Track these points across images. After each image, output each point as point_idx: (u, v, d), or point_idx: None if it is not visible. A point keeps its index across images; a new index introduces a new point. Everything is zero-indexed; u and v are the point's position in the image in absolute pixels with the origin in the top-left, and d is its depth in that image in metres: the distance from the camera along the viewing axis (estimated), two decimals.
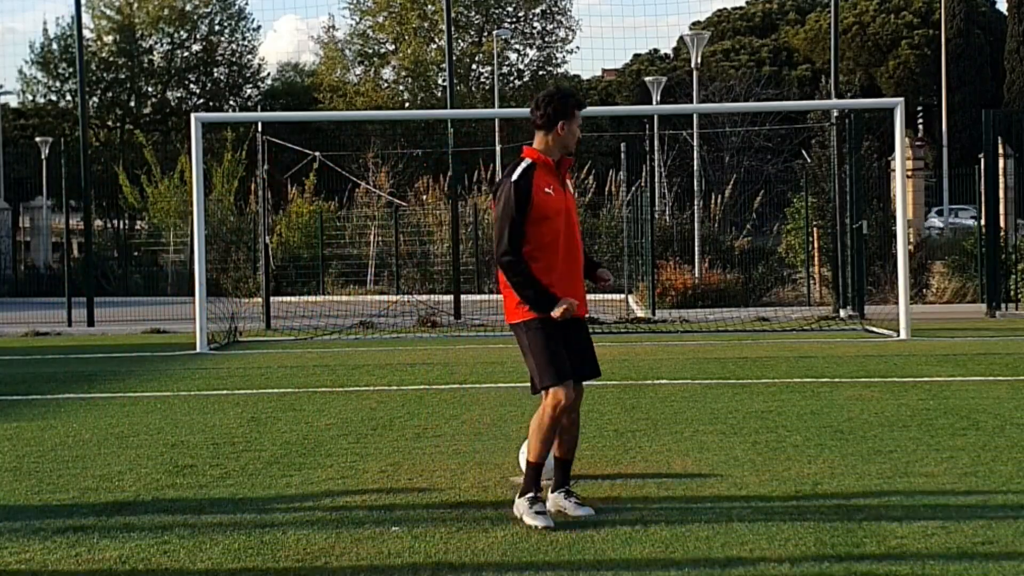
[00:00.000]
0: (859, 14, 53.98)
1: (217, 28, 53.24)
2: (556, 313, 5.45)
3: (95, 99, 50.80)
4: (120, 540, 5.21)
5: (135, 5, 51.63)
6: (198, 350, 15.15)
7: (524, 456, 6.33)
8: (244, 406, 9.57)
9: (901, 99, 17.29)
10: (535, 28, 54.32)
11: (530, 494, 5.42)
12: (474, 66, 52.59)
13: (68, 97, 51.25)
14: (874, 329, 16.48)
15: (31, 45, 66.27)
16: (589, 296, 6.30)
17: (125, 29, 51.32)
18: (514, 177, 5.49)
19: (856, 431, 7.72)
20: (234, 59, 53.62)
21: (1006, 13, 51.69)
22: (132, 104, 52.94)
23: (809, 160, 24.17)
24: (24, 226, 42.60)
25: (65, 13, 59.53)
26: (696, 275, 23.05)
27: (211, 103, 51.46)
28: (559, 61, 54.31)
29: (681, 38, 46.11)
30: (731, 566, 4.69)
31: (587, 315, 5.95)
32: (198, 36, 52.76)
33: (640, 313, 20.49)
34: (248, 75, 54.29)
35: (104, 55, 51.42)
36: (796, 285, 24.32)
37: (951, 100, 45.06)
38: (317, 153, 23.18)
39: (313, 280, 28.44)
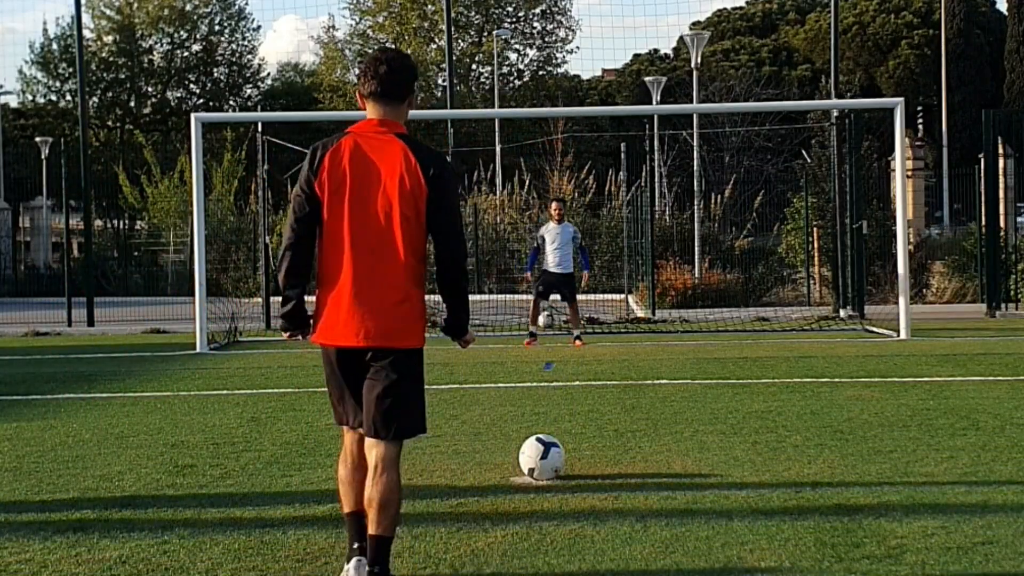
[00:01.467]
0: (859, 14, 54.00)
1: (217, 28, 53.27)
2: (472, 339, 4.71)
3: (95, 99, 50.80)
4: (120, 540, 5.21)
5: (135, 5, 51.64)
6: (198, 350, 15.15)
7: (526, 460, 6.34)
8: (244, 406, 9.58)
9: (901, 99, 17.28)
10: (535, 28, 54.37)
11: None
12: (474, 66, 52.62)
13: (68, 97, 51.26)
14: (874, 329, 16.48)
15: (31, 45, 66.43)
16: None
17: (125, 29, 51.31)
18: (448, 158, 4.87)
19: (856, 431, 7.71)
20: (234, 59, 53.64)
21: (1006, 13, 51.69)
22: (132, 104, 52.95)
23: (809, 160, 24.16)
24: (24, 226, 42.58)
25: (65, 13, 59.61)
26: (696, 275, 23.05)
27: (211, 103, 51.47)
28: (559, 61, 54.42)
29: (681, 38, 46.13)
30: (731, 566, 4.69)
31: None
32: (198, 36, 52.78)
33: (640, 313, 20.49)
34: (248, 75, 54.31)
35: (104, 55, 51.43)
36: (796, 285, 24.31)
37: (951, 100, 45.09)
38: None
39: (313, 280, 28.39)
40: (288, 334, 4.64)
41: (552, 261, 15.05)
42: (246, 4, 64.34)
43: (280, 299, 4.67)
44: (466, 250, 4.49)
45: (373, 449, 4.38)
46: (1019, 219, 23.76)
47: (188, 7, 52.24)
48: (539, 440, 6.37)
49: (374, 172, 4.36)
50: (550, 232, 15.18)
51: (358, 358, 4.39)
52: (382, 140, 4.42)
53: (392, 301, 4.36)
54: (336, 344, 4.40)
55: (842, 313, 19.00)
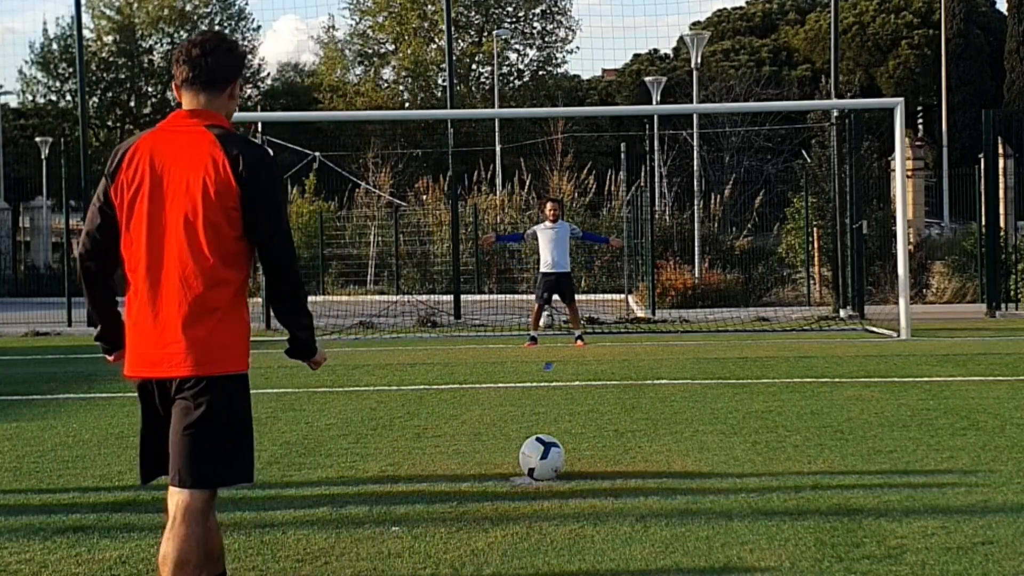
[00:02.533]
0: (859, 14, 53.98)
1: (217, 28, 53.26)
2: (323, 359, 4.13)
3: (95, 99, 50.82)
4: (120, 540, 5.21)
5: (135, 5, 51.67)
6: None
7: (526, 460, 6.34)
8: None
9: (901, 99, 17.29)
10: (535, 28, 54.39)
11: None
12: (474, 66, 52.63)
13: (68, 97, 51.27)
14: (874, 329, 16.48)
15: (31, 45, 66.42)
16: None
17: (125, 29, 51.33)
18: (270, 152, 3.89)
19: (856, 431, 7.72)
20: None
21: (1006, 13, 51.70)
22: (132, 104, 52.95)
23: (809, 160, 24.17)
24: (24, 226, 42.58)
25: (65, 13, 59.64)
26: (696, 275, 23.05)
27: None
28: (559, 61, 54.42)
29: (681, 38, 46.13)
30: (731, 566, 4.69)
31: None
32: None
33: (640, 313, 20.49)
34: (248, 75, 54.28)
35: (104, 55, 51.45)
36: (796, 285, 24.31)
37: (951, 100, 45.07)
38: (317, 153, 23.20)
39: (313, 280, 28.44)
40: (113, 356, 4.03)
41: (547, 261, 14.88)
42: (246, 4, 64.43)
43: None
44: (295, 254, 3.83)
45: (174, 496, 3.72)
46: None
47: (188, 7, 52.27)
48: (539, 440, 6.37)
49: (176, 172, 3.72)
50: (544, 232, 14.99)
51: (168, 391, 3.75)
52: (189, 134, 3.76)
53: (201, 321, 3.69)
54: (141, 375, 3.78)
55: (842, 313, 19.00)
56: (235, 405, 3.78)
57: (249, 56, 53.79)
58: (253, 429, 3.90)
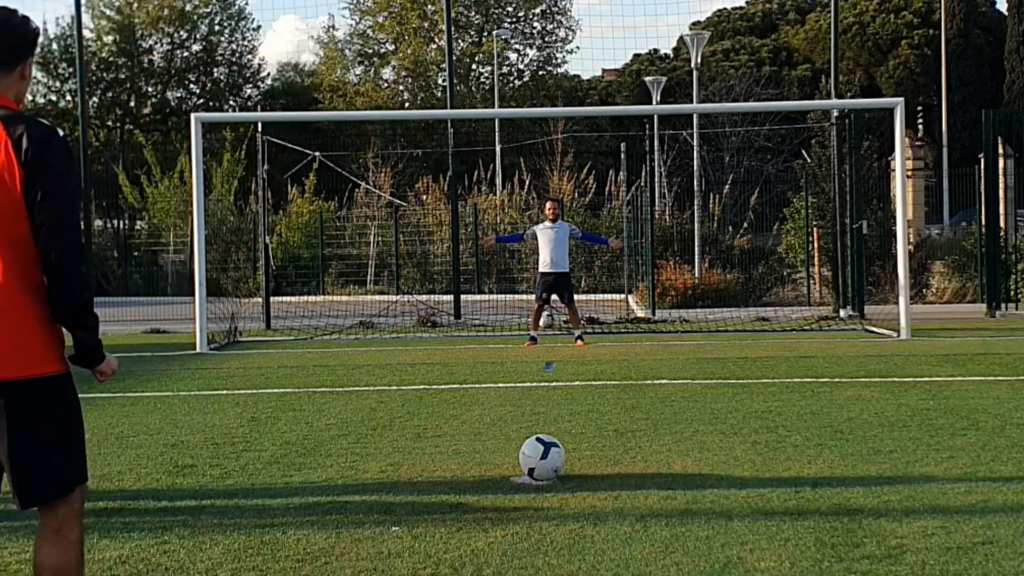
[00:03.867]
0: (859, 14, 53.99)
1: (217, 28, 53.25)
2: (110, 369, 3.71)
3: (95, 99, 50.77)
4: (120, 540, 5.21)
5: (135, 5, 51.63)
6: (198, 350, 15.15)
7: (526, 460, 6.33)
8: (244, 406, 9.58)
9: (901, 99, 17.29)
10: (535, 28, 54.36)
11: None
12: (474, 66, 52.62)
13: (68, 97, 51.26)
14: (874, 329, 16.48)
15: None
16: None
17: (125, 29, 51.30)
18: (60, 133, 3.56)
19: (856, 431, 7.72)
20: (234, 59, 53.63)
21: (1006, 13, 51.71)
22: (132, 104, 52.92)
23: (809, 160, 24.17)
24: None
25: (65, 13, 59.45)
26: (696, 275, 23.04)
27: (211, 103, 51.44)
28: (559, 61, 54.40)
29: (681, 38, 46.12)
30: (731, 566, 4.69)
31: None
32: (198, 36, 52.77)
33: (640, 313, 20.48)
34: (248, 75, 54.28)
35: (104, 55, 51.41)
36: (796, 285, 24.31)
37: (951, 100, 45.07)
38: (317, 153, 23.19)
39: (313, 280, 28.44)
40: None
41: (546, 260, 14.94)
42: (246, 4, 64.49)
43: None
44: (81, 246, 3.47)
45: (44, 512, 3.55)
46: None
47: (188, 7, 52.22)
48: (539, 440, 6.37)
49: None
50: (544, 232, 15.05)
51: None
52: None
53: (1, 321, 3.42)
54: None
55: (842, 313, 19.00)
56: (47, 408, 3.49)
57: (248, 56, 53.75)
58: (80, 430, 3.63)
